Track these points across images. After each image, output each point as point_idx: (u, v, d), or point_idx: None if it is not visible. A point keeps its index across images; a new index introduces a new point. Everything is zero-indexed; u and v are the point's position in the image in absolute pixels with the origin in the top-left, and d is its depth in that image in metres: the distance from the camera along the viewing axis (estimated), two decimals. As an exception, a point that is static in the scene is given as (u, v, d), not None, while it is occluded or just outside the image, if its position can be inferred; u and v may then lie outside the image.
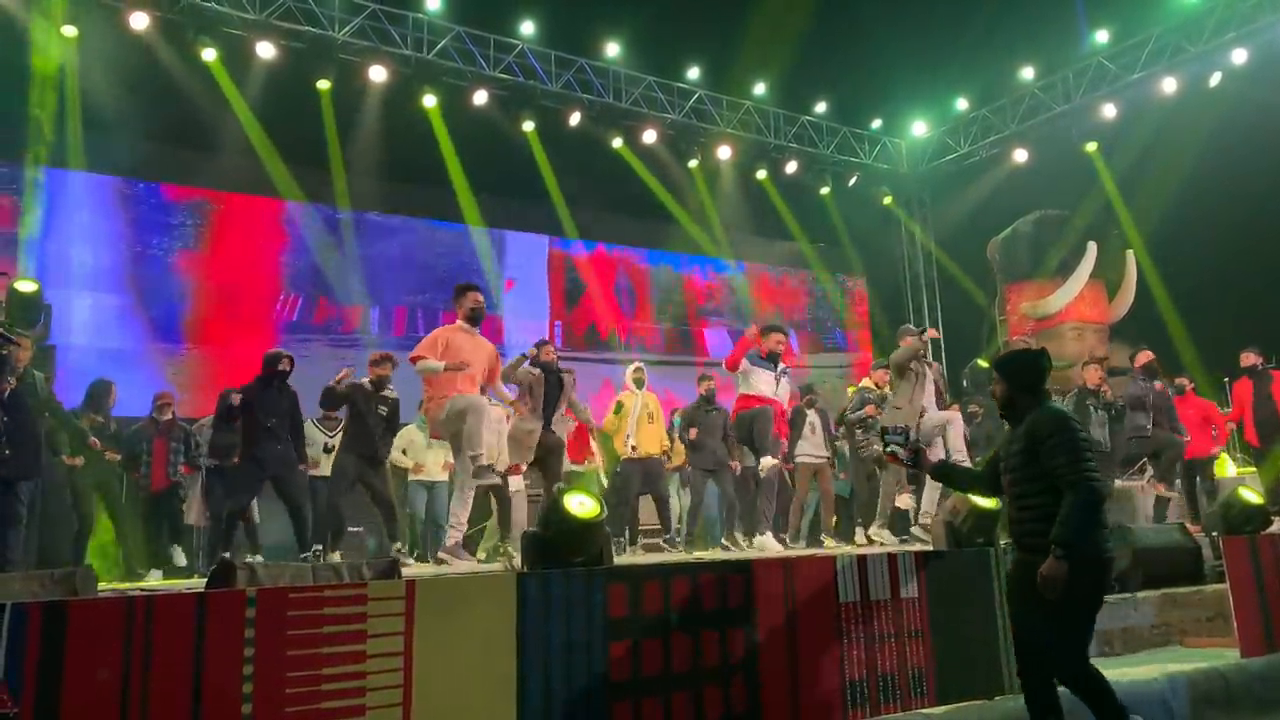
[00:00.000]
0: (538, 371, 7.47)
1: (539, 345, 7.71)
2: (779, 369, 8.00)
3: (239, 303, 11.62)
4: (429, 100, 12.15)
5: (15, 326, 6.99)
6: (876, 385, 9.10)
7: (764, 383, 7.88)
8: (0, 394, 5.61)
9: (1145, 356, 9.13)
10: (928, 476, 7.62)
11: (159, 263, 11.34)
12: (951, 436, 7.69)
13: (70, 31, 10.18)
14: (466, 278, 13.12)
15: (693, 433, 8.71)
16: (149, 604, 2.91)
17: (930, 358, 8.36)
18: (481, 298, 6.70)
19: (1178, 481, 9.26)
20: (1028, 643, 3.77)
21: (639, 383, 8.94)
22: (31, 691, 2.63)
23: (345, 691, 3.08)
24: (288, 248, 12.20)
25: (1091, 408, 8.77)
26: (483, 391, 6.70)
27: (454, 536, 6.29)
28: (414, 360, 6.32)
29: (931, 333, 9.19)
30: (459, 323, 6.63)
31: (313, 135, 11.78)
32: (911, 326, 8.80)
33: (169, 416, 8.30)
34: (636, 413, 8.69)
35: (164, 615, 2.88)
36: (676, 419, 9.58)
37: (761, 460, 7.79)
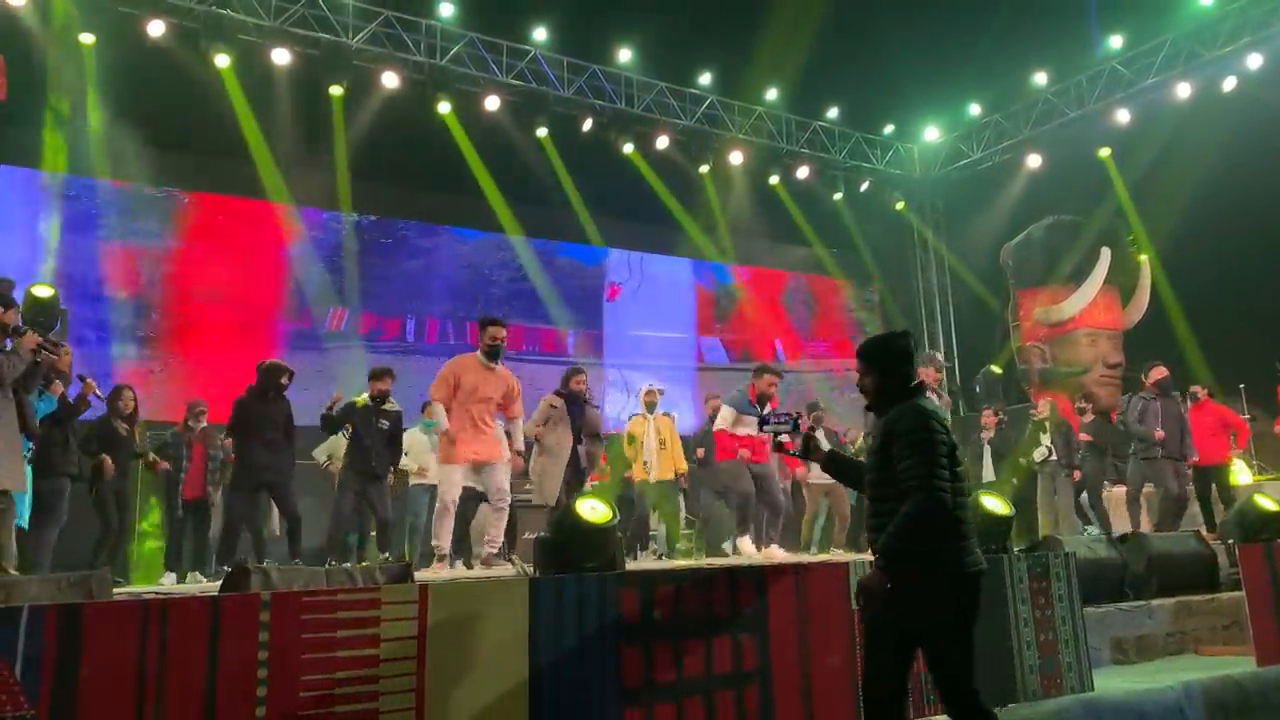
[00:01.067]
0: (560, 404, 7.53)
1: (569, 375, 7.76)
2: (766, 411, 7.87)
3: (242, 307, 11.64)
4: (444, 107, 12.19)
5: (33, 331, 7.05)
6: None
7: (749, 426, 7.72)
8: (27, 398, 5.66)
9: (1159, 372, 9.02)
10: None
11: (171, 266, 11.38)
12: None
13: (88, 39, 10.27)
14: (485, 285, 13.30)
15: (699, 452, 8.73)
16: (164, 607, 2.93)
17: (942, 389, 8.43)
18: (502, 333, 6.67)
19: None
20: (875, 676, 3.25)
21: (650, 407, 8.90)
22: (48, 693, 2.65)
23: (358, 695, 3.09)
24: (305, 254, 12.24)
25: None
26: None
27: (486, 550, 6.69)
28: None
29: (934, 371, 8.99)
30: (478, 355, 6.70)
31: (325, 141, 11.83)
32: (936, 355, 8.75)
33: (204, 425, 8.19)
34: (650, 443, 8.66)
35: (179, 618, 2.90)
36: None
37: (739, 542, 7.72)
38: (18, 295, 6.64)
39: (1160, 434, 8.52)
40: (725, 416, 7.86)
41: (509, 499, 6.76)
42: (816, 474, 9.10)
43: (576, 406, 7.54)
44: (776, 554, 7.70)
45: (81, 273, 10.67)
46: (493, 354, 6.63)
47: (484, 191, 12.91)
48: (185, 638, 2.88)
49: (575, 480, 7.42)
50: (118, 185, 11.03)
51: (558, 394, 7.59)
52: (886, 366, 3.38)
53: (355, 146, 11.95)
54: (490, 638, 3.34)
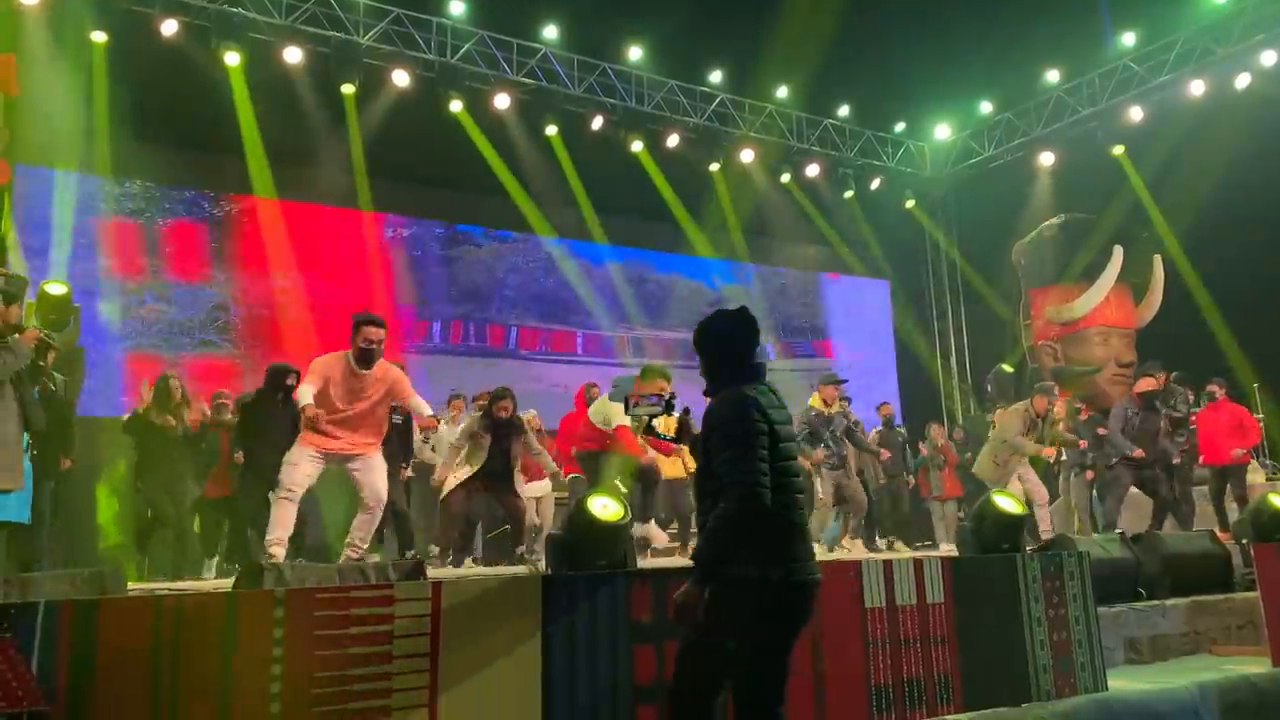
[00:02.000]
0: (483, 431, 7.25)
1: (493, 399, 7.40)
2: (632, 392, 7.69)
3: (265, 306, 11.67)
4: (455, 105, 12.20)
5: (46, 328, 7.09)
6: (824, 404, 8.57)
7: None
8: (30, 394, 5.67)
9: (1145, 384, 8.88)
10: None
11: (197, 270, 11.43)
12: None
13: (99, 37, 10.30)
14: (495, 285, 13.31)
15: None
16: (178, 603, 2.93)
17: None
18: (378, 335, 5.79)
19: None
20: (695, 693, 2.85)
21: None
22: (64, 689, 2.66)
23: (372, 692, 3.09)
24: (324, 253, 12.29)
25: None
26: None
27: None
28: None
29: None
30: (348, 357, 5.83)
31: (338, 139, 11.85)
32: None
33: (228, 417, 7.99)
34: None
35: (193, 614, 2.91)
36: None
37: (646, 528, 7.35)
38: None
39: (1139, 452, 8.37)
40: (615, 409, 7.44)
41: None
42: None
43: (503, 430, 7.28)
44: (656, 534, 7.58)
45: (95, 272, 10.70)
46: (365, 359, 5.78)
47: (507, 190, 12.91)
48: (199, 634, 2.88)
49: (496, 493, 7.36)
50: (132, 183, 11.07)
51: (483, 418, 7.37)
52: (707, 349, 3.07)
53: (367, 145, 11.97)
54: (503, 635, 3.34)
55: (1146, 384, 8.86)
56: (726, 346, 3.04)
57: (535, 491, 8.58)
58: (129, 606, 2.93)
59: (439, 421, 7.27)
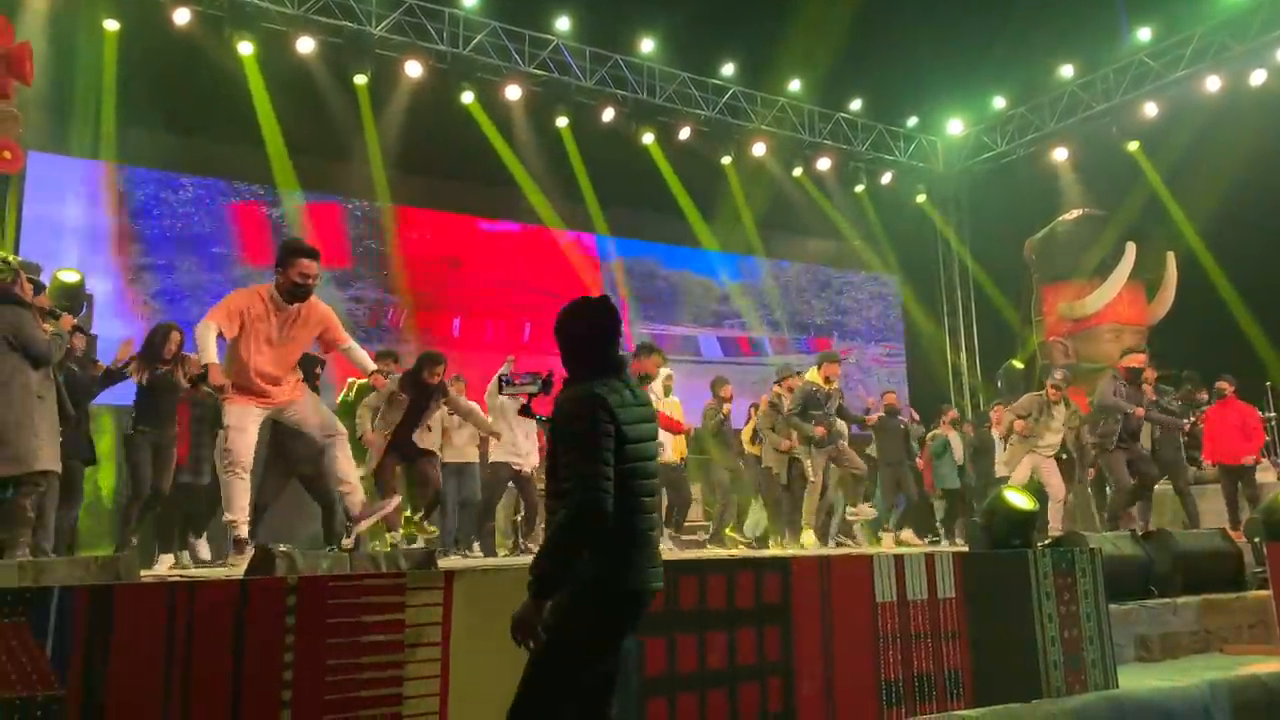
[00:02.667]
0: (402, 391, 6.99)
1: (424, 362, 7.19)
2: (506, 370, 7.81)
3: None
4: (466, 96, 12.19)
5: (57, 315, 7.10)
6: (825, 380, 8.56)
7: None
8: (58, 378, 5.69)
9: (1134, 359, 8.94)
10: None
11: (209, 258, 11.46)
12: None
13: (112, 25, 10.33)
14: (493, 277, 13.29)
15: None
16: (191, 590, 2.94)
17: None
18: (315, 269, 5.19)
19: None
20: None
21: (667, 390, 8.87)
22: (78, 674, 2.67)
23: (383, 681, 3.09)
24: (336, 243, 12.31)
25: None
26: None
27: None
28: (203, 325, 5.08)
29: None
30: (269, 290, 5.19)
31: (352, 130, 11.86)
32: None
33: None
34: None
35: (206, 601, 2.91)
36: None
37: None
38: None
39: (1139, 411, 8.39)
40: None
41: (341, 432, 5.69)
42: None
43: (426, 399, 7.09)
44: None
45: (108, 256, 10.74)
46: (296, 293, 5.16)
47: (516, 182, 12.90)
48: (212, 620, 2.89)
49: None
50: (144, 172, 11.10)
51: (404, 377, 7.15)
52: (562, 341, 2.88)
53: (381, 136, 11.99)
54: (514, 625, 3.34)
55: (1134, 360, 8.88)
56: (581, 339, 2.86)
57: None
58: (143, 592, 2.94)
59: (385, 378, 6.23)
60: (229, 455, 5.19)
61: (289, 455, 6.62)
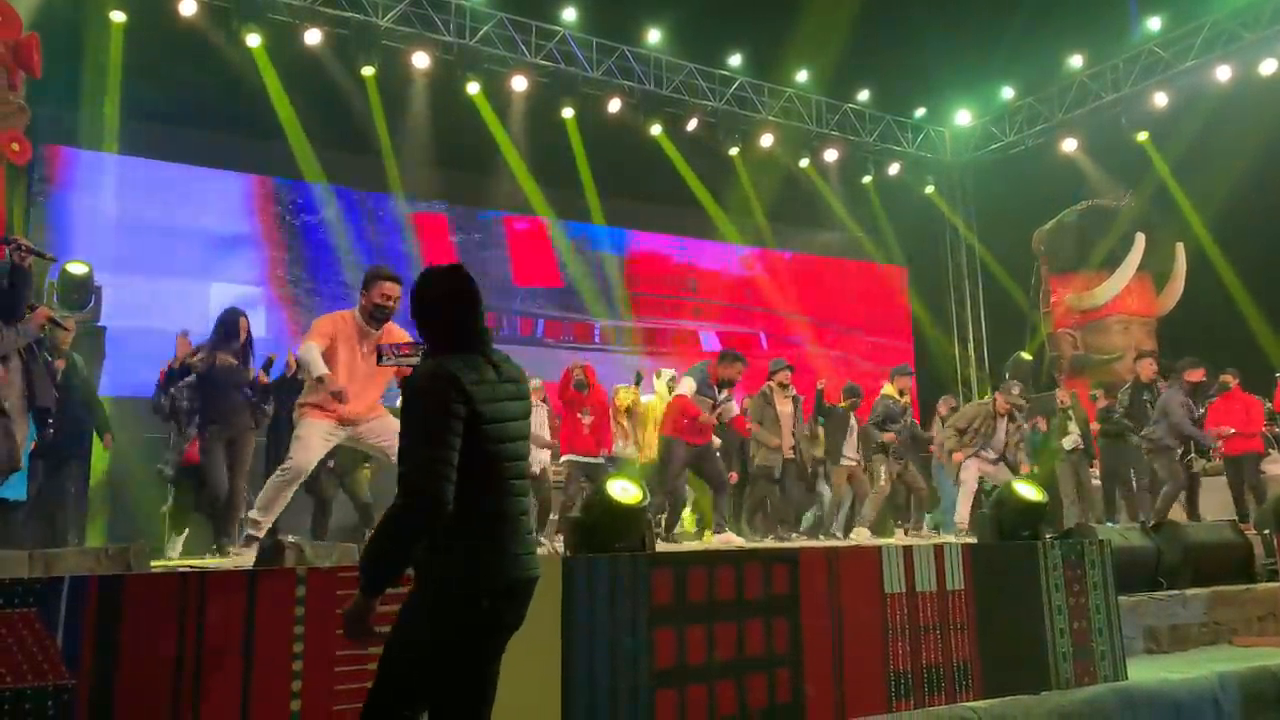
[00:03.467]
0: None
1: None
2: (722, 397, 7.84)
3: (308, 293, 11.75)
4: (473, 87, 12.17)
5: (66, 307, 7.13)
6: (899, 393, 9.17)
7: (701, 409, 7.66)
8: (53, 376, 5.67)
9: (1196, 375, 8.83)
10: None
11: (220, 244, 11.49)
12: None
13: (119, 17, 10.32)
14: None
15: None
16: (201, 580, 2.95)
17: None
18: (396, 291, 5.23)
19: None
20: None
21: (671, 390, 8.90)
22: (89, 663, 2.68)
23: (392, 671, 3.10)
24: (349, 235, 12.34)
25: (1147, 403, 8.69)
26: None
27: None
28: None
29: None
30: (354, 314, 5.29)
31: (361, 122, 11.87)
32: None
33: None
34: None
35: (216, 591, 2.92)
36: None
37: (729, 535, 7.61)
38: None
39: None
40: (685, 389, 7.76)
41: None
42: (845, 455, 9.09)
43: None
44: (734, 539, 7.60)
45: (120, 250, 10.75)
46: (378, 316, 5.22)
47: (525, 173, 12.91)
48: (222, 611, 2.89)
49: None
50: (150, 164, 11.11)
51: None
52: (416, 315, 2.65)
53: (391, 128, 12.01)
54: (523, 616, 3.34)
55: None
56: (434, 311, 2.61)
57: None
58: (153, 582, 2.95)
59: None
60: (289, 463, 5.16)
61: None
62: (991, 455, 8.49)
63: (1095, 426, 9.78)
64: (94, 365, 7.57)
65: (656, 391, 9.18)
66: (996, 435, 8.49)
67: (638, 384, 9.08)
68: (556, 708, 3.31)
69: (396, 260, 12.18)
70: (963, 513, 8.41)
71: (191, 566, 4.29)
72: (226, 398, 6.44)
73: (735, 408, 8.23)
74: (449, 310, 2.60)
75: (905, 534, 9.22)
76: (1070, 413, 9.89)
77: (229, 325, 6.53)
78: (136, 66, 10.38)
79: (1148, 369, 9.04)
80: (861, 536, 8.40)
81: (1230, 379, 9.39)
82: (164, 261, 10.98)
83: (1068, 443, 9.77)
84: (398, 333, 5.46)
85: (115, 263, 10.36)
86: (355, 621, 2.41)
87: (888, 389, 9.28)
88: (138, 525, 7.80)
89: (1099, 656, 4.65)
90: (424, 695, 2.45)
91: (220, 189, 11.68)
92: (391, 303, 5.26)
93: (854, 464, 9.15)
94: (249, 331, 6.59)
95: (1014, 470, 8.38)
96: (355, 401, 5.16)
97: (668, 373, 9.19)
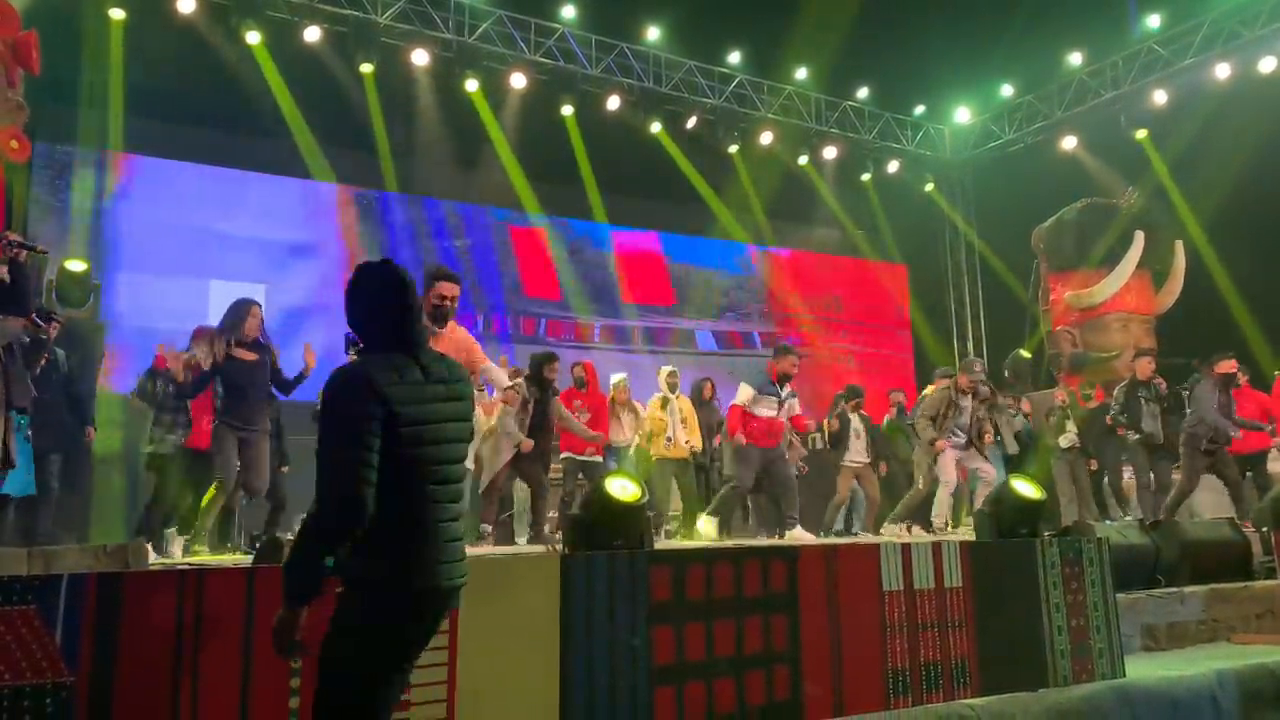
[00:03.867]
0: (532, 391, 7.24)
1: (542, 362, 7.49)
2: (785, 393, 7.92)
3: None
4: (471, 84, 12.17)
5: (65, 304, 7.12)
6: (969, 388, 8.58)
7: (767, 408, 7.80)
8: (32, 371, 5.63)
9: (1226, 366, 8.71)
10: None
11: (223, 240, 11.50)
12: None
13: (118, 15, 10.31)
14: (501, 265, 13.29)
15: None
16: (200, 577, 2.95)
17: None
18: (454, 291, 5.36)
19: None
20: None
21: (672, 388, 8.94)
22: (87, 661, 2.68)
23: (391, 668, 3.10)
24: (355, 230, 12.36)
25: (1143, 400, 8.66)
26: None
27: None
28: None
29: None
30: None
31: (359, 119, 11.87)
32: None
33: None
34: (675, 419, 8.70)
35: (215, 588, 2.92)
36: None
37: (791, 532, 7.66)
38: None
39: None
40: (744, 394, 7.85)
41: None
42: (848, 458, 9.10)
43: (546, 394, 7.36)
44: (803, 536, 7.66)
45: (115, 247, 10.75)
46: (438, 316, 5.29)
47: (520, 172, 12.91)
48: (221, 608, 2.90)
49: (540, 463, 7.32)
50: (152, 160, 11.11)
51: (527, 379, 7.37)
52: (347, 314, 2.55)
53: (389, 125, 12.01)
54: (522, 615, 3.35)
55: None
56: (361, 309, 2.52)
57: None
58: (152, 580, 2.95)
59: (518, 394, 6.44)
60: None
61: None
62: (961, 439, 8.34)
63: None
64: (93, 362, 7.56)
65: (661, 389, 9.13)
66: (962, 416, 8.36)
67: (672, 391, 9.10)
68: (555, 705, 3.31)
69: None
70: (943, 510, 8.13)
71: (190, 563, 4.30)
72: (244, 395, 6.17)
73: (798, 404, 8.22)
74: (375, 307, 2.50)
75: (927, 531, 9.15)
76: (1068, 411, 9.90)
77: (238, 313, 6.22)
78: (135, 64, 10.40)
79: (1145, 367, 9.02)
80: (891, 533, 8.27)
81: (1240, 376, 9.39)
82: (168, 260, 11.03)
83: (1064, 441, 9.78)
84: (461, 333, 5.56)
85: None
86: (279, 634, 2.30)
87: (947, 385, 8.81)
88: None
89: (1097, 654, 4.65)
90: (363, 704, 2.37)
91: (219, 188, 11.68)
92: (449, 302, 5.32)
93: (860, 465, 9.17)
94: (261, 322, 6.31)
95: (979, 449, 8.28)
96: None
97: (666, 369, 9.18)
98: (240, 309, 6.24)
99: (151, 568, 3.73)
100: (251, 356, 6.15)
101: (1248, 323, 12.22)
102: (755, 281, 15.64)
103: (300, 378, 6.27)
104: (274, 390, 6.40)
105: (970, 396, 8.32)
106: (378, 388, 2.34)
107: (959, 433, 8.27)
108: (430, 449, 2.42)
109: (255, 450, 6.21)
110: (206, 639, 2.85)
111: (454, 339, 5.47)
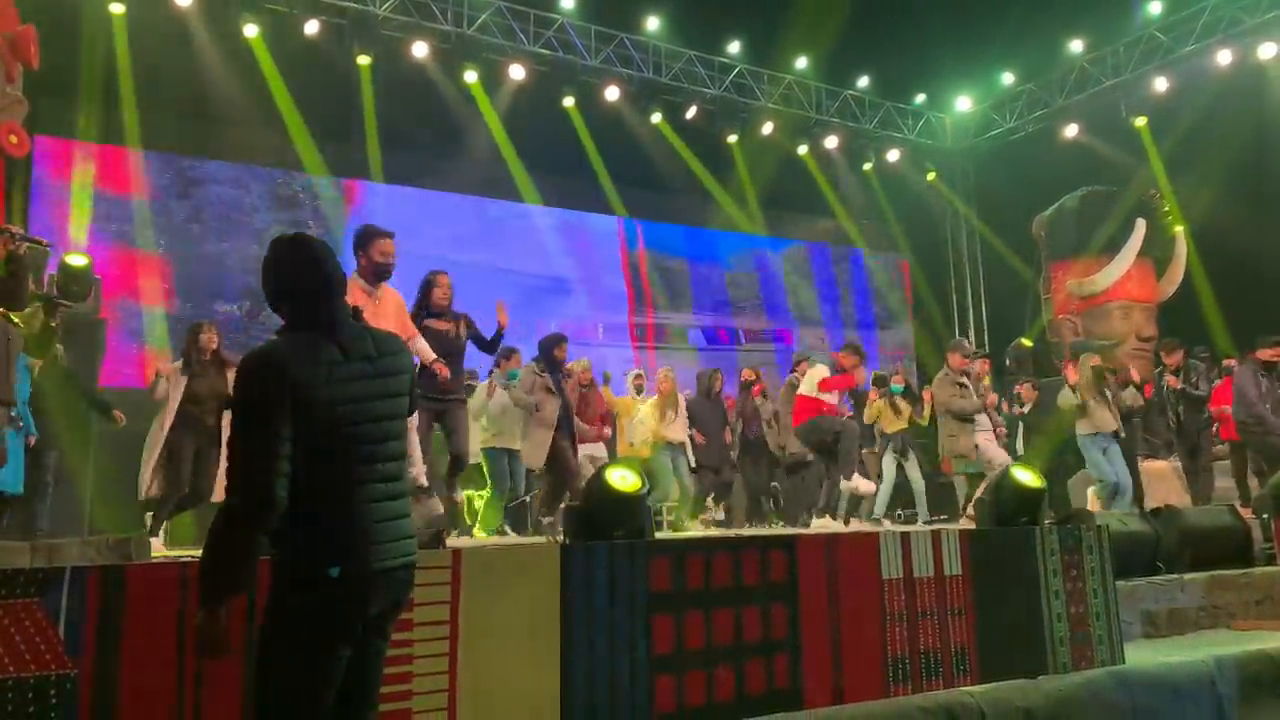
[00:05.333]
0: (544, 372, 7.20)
1: (552, 343, 7.42)
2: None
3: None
4: (470, 76, 12.14)
5: (67, 299, 7.12)
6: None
7: (831, 394, 7.97)
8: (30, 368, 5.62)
9: (1268, 353, 8.70)
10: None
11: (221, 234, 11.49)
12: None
13: (118, 9, 10.30)
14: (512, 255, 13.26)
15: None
16: (202, 570, 2.96)
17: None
18: (393, 248, 5.26)
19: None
20: None
21: (639, 389, 9.11)
22: (91, 653, 2.70)
23: (392, 659, 3.11)
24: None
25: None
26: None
27: None
28: None
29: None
30: (356, 278, 5.20)
31: (355, 111, 11.85)
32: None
33: None
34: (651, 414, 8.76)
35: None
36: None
37: (857, 482, 7.84)
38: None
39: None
40: (816, 375, 8.00)
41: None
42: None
43: (558, 375, 7.32)
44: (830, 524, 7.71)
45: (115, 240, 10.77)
46: (380, 273, 5.22)
47: (521, 164, 12.89)
48: (223, 600, 2.91)
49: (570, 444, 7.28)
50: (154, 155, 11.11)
51: (537, 361, 7.31)
52: (265, 293, 2.45)
53: (385, 116, 11.97)
54: (522, 605, 3.36)
55: (1273, 353, 8.58)
56: (275, 286, 2.41)
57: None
58: (155, 572, 2.97)
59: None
60: None
61: None
62: (974, 423, 8.43)
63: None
64: (93, 358, 7.58)
65: (659, 388, 9.12)
66: (969, 395, 8.37)
67: (607, 383, 9.23)
68: (555, 694, 3.33)
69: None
70: (881, 506, 8.50)
71: (193, 556, 4.32)
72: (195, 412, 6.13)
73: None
74: (289, 287, 2.40)
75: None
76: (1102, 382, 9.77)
77: (426, 285, 6.20)
78: (136, 57, 10.39)
79: (1174, 358, 9.02)
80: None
81: (1233, 364, 9.38)
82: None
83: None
84: (395, 295, 5.39)
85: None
86: (202, 637, 2.16)
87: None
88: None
89: (1096, 641, 4.67)
90: (305, 700, 2.24)
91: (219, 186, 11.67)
92: (390, 259, 5.21)
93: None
94: (217, 346, 6.31)
95: (990, 418, 8.62)
96: None
97: (633, 371, 9.31)
98: (428, 281, 6.21)
99: (154, 560, 3.75)
100: (445, 325, 6.10)
101: (1215, 315, 12.25)
102: (755, 273, 15.61)
103: (498, 336, 6.29)
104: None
105: (966, 375, 8.45)
106: (285, 370, 2.24)
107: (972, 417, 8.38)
108: (350, 429, 2.30)
109: (453, 419, 6.13)
110: (209, 630, 2.87)
111: (389, 303, 5.32)
